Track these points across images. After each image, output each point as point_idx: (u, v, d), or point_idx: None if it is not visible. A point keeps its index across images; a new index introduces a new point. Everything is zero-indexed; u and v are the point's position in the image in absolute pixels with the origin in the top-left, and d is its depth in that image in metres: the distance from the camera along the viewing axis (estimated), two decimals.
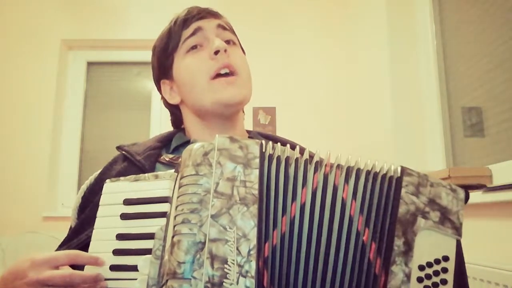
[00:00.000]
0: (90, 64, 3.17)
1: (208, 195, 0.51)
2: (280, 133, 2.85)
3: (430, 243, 0.52)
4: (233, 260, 0.48)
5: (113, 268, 0.58)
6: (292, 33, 3.00)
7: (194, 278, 0.47)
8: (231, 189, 0.51)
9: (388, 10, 2.17)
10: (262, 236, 0.50)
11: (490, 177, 1.47)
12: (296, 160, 0.54)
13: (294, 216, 0.52)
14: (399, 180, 0.54)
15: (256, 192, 0.51)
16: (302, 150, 0.59)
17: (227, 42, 0.88)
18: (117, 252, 0.58)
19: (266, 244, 0.50)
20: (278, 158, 0.54)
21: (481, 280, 1.23)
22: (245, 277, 0.47)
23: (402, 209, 0.52)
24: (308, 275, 0.52)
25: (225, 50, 0.83)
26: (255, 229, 0.49)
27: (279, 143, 0.56)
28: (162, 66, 0.91)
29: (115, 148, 0.88)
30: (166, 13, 0.94)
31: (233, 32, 0.92)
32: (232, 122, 0.89)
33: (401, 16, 2.17)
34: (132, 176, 0.64)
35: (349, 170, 0.55)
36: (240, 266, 0.47)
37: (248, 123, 3.06)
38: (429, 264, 0.52)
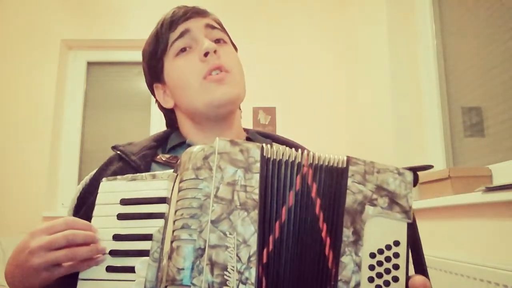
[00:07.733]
0: (90, 64, 3.17)
1: (208, 200, 0.50)
2: (280, 133, 2.84)
3: (380, 230, 0.52)
4: (233, 267, 0.47)
5: (110, 269, 0.57)
6: (292, 33, 3.00)
7: (194, 285, 0.46)
8: (232, 194, 0.50)
9: (388, 9, 2.17)
10: (261, 242, 0.49)
11: (490, 177, 1.47)
12: (286, 162, 0.54)
13: (284, 220, 0.52)
14: (344, 170, 0.53)
15: (256, 197, 0.50)
16: (302, 150, 0.58)
17: (217, 41, 0.85)
18: (114, 253, 0.58)
19: (265, 250, 0.50)
20: (279, 162, 0.53)
21: (481, 280, 1.23)
22: (245, 284, 0.47)
23: (349, 199, 0.52)
24: (300, 280, 0.51)
25: (215, 51, 0.81)
26: (256, 235, 0.49)
27: (279, 145, 0.56)
28: (153, 71, 0.90)
29: (111, 148, 0.87)
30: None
31: (223, 29, 0.90)
32: (228, 122, 0.86)
33: (401, 15, 2.16)
34: (129, 175, 0.63)
35: (315, 167, 0.54)
36: (240, 273, 0.47)
37: (248, 123, 3.05)
38: (380, 251, 0.51)
